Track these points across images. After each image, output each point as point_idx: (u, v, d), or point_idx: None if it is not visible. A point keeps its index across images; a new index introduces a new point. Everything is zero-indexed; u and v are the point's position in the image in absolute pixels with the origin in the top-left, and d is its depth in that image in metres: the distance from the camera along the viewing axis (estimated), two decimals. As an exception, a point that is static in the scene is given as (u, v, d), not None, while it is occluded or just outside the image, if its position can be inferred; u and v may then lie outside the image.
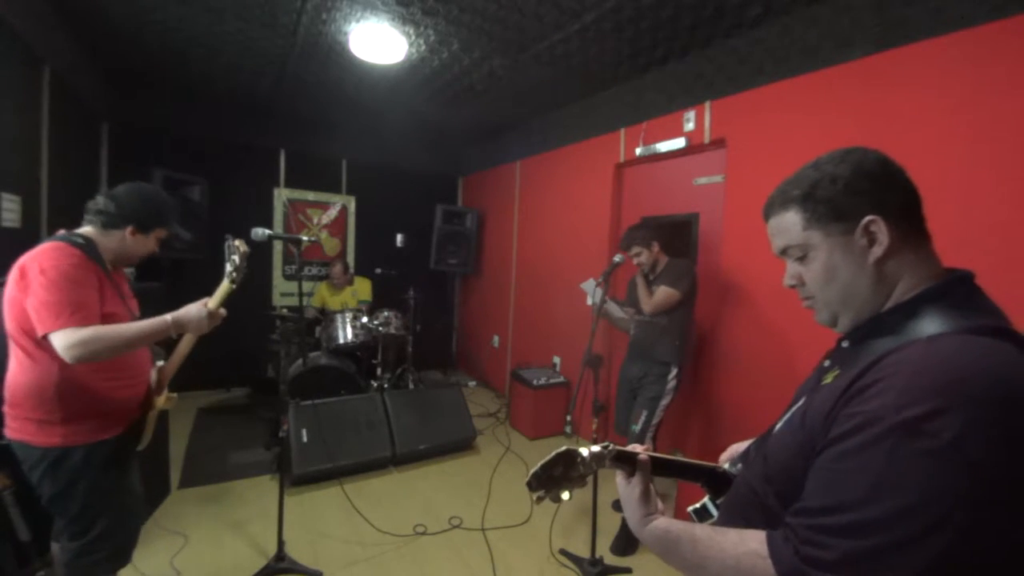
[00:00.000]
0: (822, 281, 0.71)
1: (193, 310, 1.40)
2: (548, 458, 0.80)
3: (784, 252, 0.75)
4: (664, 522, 0.77)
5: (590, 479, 0.86)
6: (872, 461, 0.54)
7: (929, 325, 0.62)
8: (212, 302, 1.46)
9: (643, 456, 0.84)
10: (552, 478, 0.81)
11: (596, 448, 0.82)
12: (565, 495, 0.81)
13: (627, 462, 0.84)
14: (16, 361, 1.39)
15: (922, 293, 0.66)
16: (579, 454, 0.81)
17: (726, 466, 0.91)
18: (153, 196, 1.56)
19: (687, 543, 0.70)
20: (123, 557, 1.55)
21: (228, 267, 1.47)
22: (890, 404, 0.54)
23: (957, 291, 0.65)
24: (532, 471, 0.80)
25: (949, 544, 0.50)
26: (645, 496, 0.81)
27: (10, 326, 1.35)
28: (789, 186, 0.73)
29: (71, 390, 1.38)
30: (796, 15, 2.35)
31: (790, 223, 0.72)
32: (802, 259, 0.73)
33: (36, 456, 1.38)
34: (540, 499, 0.81)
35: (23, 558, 1.78)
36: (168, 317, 1.37)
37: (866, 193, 0.67)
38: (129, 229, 1.48)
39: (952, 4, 1.87)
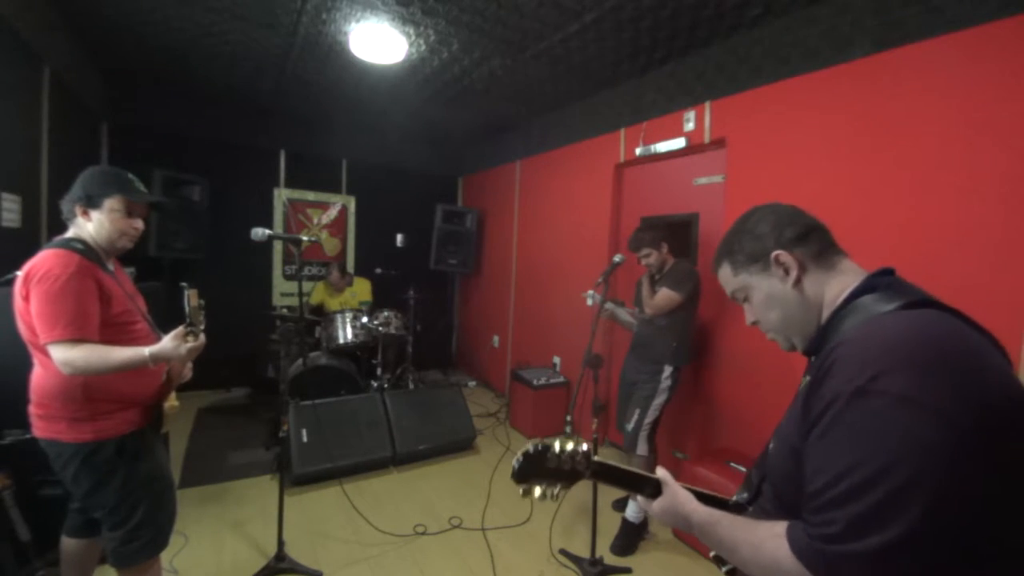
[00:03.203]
0: (766, 311, 0.85)
1: (169, 345, 1.40)
2: (523, 450, 0.87)
3: (734, 297, 0.90)
4: (704, 511, 0.84)
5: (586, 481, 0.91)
6: (842, 432, 0.61)
7: (864, 314, 0.71)
8: (190, 341, 1.44)
9: (663, 474, 0.91)
10: (536, 472, 0.87)
11: (570, 446, 0.88)
12: (537, 491, 0.87)
13: (644, 485, 0.90)
14: (39, 365, 1.42)
15: (850, 294, 0.75)
16: (551, 448, 0.87)
17: (734, 497, 0.94)
18: (90, 171, 1.52)
19: (726, 526, 0.79)
20: (163, 541, 1.60)
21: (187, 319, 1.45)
22: (843, 379, 0.62)
23: (879, 283, 0.73)
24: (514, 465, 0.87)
25: (936, 490, 0.54)
26: (677, 499, 0.88)
27: (25, 334, 1.39)
28: (719, 249, 0.91)
29: (96, 388, 1.41)
30: (796, 15, 2.35)
31: (727, 274, 0.89)
32: (747, 299, 0.88)
33: (69, 452, 1.42)
34: (526, 493, 0.88)
35: (23, 558, 1.78)
36: (146, 351, 1.38)
37: (767, 236, 0.82)
38: (79, 211, 1.46)
39: (952, 4, 1.88)
